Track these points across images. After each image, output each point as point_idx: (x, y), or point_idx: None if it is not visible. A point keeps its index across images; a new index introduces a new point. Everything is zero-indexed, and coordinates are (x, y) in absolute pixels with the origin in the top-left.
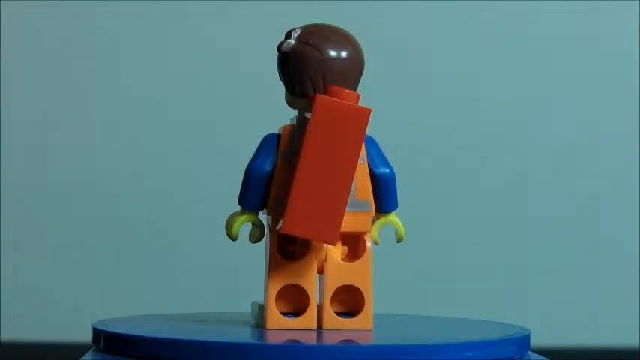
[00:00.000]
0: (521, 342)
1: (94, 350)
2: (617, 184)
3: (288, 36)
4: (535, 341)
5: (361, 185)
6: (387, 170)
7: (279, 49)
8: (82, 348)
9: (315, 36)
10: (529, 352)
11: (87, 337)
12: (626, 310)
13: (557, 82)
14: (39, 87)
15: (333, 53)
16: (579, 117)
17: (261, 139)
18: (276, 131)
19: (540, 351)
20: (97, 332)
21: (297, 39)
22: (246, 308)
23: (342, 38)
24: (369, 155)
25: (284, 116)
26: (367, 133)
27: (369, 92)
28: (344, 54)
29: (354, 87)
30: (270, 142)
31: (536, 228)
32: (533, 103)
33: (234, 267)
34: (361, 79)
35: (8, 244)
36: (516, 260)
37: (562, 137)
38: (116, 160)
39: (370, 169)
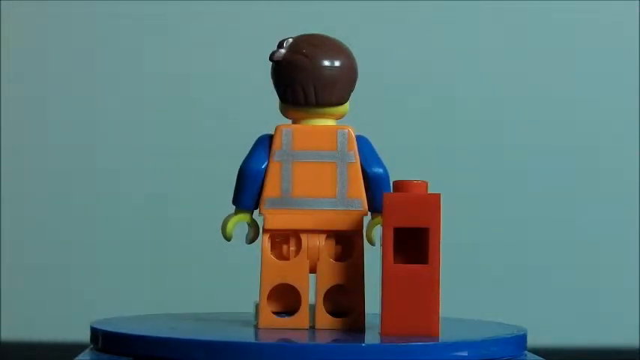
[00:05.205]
0: (518, 342)
1: (91, 349)
2: (617, 184)
3: (280, 45)
4: (534, 341)
5: (352, 183)
6: (380, 170)
7: (271, 58)
8: (81, 348)
9: (307, 45)
10: (525, 352)
11: (87, 337)
12: (626, 310)
13: (557, 81)
14: (39, 86)
15: (323, 62)
16: (579, 117)
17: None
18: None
19: (539, 351)
20: (94, 331)
21: (289, 48)
22: (245, 308)
23: (333, 47)
24: (361, 154)
25: (283, 118)
26: (360, 132)
27: (362, 91)
28: (336, 63)
29: (347, 96)
30: (263, 141)
31: (536, 228)
32: (533, 103)
33: (234, 267)
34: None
35: (8, 244)
36: (516, 260)
37: (562, 137)
38: (115, 160)
39: (363, 169)
